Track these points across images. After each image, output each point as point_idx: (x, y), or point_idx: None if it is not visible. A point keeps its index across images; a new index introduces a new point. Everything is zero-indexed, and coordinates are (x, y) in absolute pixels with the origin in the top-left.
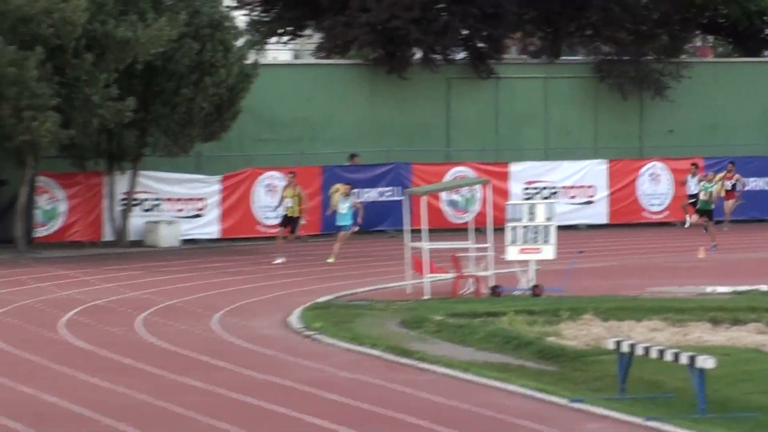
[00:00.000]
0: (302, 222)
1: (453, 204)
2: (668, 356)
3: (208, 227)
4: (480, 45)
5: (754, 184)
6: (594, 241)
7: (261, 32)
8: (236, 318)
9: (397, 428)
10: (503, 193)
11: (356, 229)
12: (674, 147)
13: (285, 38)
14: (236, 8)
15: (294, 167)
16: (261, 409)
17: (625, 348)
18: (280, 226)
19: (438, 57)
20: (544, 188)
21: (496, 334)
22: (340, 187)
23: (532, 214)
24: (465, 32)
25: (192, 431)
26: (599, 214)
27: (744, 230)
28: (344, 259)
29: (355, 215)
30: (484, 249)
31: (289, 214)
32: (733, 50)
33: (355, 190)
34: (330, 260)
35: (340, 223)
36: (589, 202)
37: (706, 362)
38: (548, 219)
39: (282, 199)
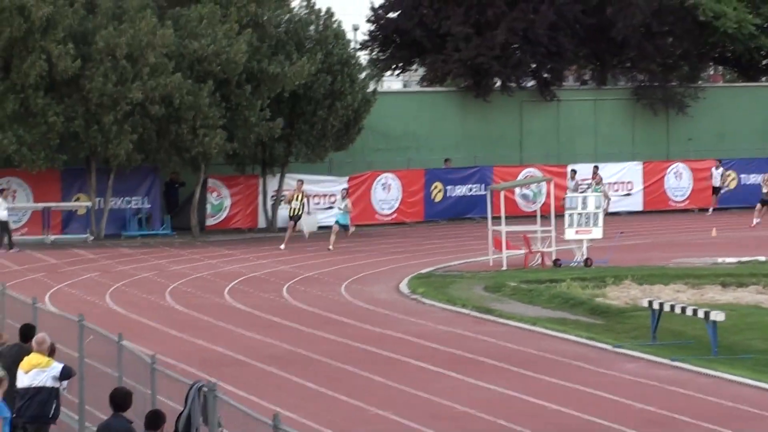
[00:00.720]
0: (301, 224)
1: (524, 197)
2: (689, 312)
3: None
4: (545, 75)
5: (753, 179)
6: (631, 224)
7: (378, 67)
8: (359, 285)
9: (480, 368)
10: (563, 188)
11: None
12: (693, 151)
13: (396, 72)
14: (360, 49)
15: (402, 170)
16: (377, 355)
17: (655, 305)
18: (291, 221)
19: (513, 85)
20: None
21: (557, 296)
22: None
23: (584, 204)
24: (533, 66)
25: (324, 372)
26: (636, 203)
27: (744, 214)
28: (440, 239)
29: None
30: (548, 231)
31: (294, 214)
32: (738, 77)
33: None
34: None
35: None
36: (628, 194)
37: (717, 316)
38: (596, 208)
39: (290, 201)
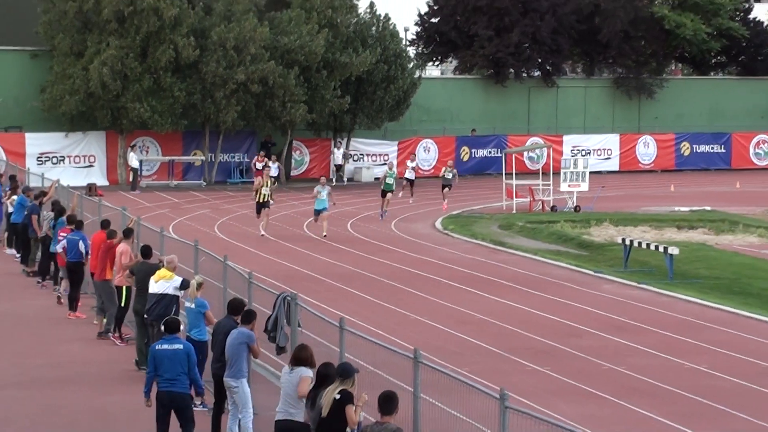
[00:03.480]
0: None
1: (530, 158)
2: (652, 247)
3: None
4: (548, 67)
5: (705, 148)
6: (610, 181)
7: (422, 59)
8: (405, 223)
9: (494, 286)
10: (559, 153)
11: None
12: (658, 127)
13: (436, 63)
14: (409, 45)
15: (439, 137)
16: (417, 275)
17: (627, 242)
18: (258, 213)
19: (524, 74)
20: (583, 150)
21: (554, 233)
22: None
23: (575, 164)
24: (539, 60)
25: (378, 287)
26: (613, 165)
27: (697, 175)
28: (467, 190)
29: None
30: (548, 184)
31: (262, 201)
32: (693, 72)
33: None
34: (324, 234)
35: (319, 207)
36: (608, 158)
37: (673, 250)
38: (584, 167)
39: (260, 187)
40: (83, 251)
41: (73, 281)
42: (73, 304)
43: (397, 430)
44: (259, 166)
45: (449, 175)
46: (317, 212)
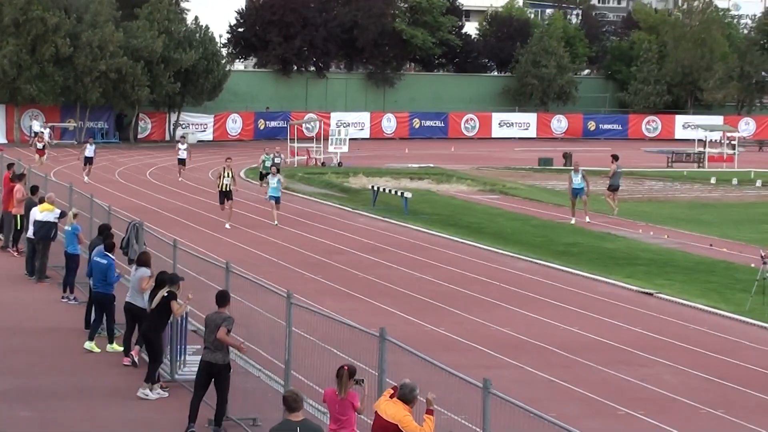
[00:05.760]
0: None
1: (308, 129)
2: (392, 191)
3: (208, 135)
4: (320, 64)
5: (429, 123)
6: (363, 145)
7: (232, 57)
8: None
9: (282, 219)
10: (328, 125)
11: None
12: (397, 107)
13: (242, 60)
14: (222, 47)
15: (242, 112)
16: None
17: (375, 188)
18: (221, 203)
19: (303, 69)
20: (344, 123)
21: (324, 181)
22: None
23: (339, 133)
24: (314, 59)
25: (203, 218)
26: (366, 134)
27: (424, 142)
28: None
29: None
30: (319, 147)
31: (224, 190)
32: (422, 69)
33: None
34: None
35: (273, 194)
36: (362, 129)
37: (407, 194)
38: (345, 135)
39: (222, 178)
40: None
41: None
42: None
43: (228, 317)
44: (39, 145)
45: (278, 160)
46: (271, 199)
